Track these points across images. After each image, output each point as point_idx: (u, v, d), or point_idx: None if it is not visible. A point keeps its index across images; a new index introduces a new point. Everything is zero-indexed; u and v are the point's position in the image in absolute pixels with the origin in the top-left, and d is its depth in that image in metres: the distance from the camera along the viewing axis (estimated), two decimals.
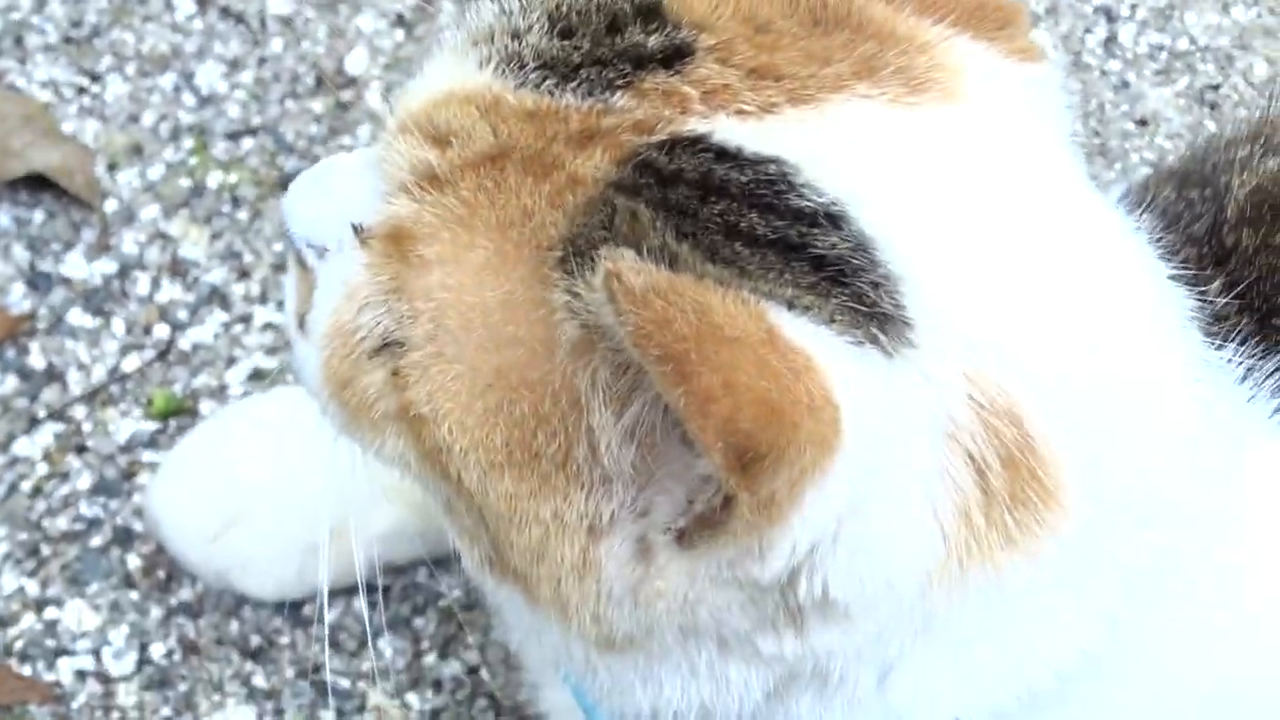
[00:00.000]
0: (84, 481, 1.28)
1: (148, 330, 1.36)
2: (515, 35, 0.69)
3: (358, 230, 0.70)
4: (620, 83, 0.66)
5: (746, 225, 0.61)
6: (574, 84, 0.67)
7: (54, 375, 1.33)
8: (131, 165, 1.45)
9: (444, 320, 0.64)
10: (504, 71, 0.68)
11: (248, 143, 1.47)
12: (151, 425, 1.31)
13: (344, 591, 1.20)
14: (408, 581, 1.22)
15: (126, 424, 1.31)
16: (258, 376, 1.33)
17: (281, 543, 1.17)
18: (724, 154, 0.63)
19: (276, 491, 1.17)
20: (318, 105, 1.49)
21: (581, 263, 0.61)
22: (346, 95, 1.50)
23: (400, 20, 1.55)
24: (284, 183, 1.34)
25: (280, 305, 1.29)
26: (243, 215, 1.43)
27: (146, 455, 1.29)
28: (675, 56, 0.67)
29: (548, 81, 0.67)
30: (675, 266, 0.58)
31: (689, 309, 0.54)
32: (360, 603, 1.21)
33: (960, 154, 0.67)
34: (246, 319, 1.37)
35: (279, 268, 1.38)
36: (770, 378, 0.53)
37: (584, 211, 0.63)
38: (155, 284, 1.38)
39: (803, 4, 0.70)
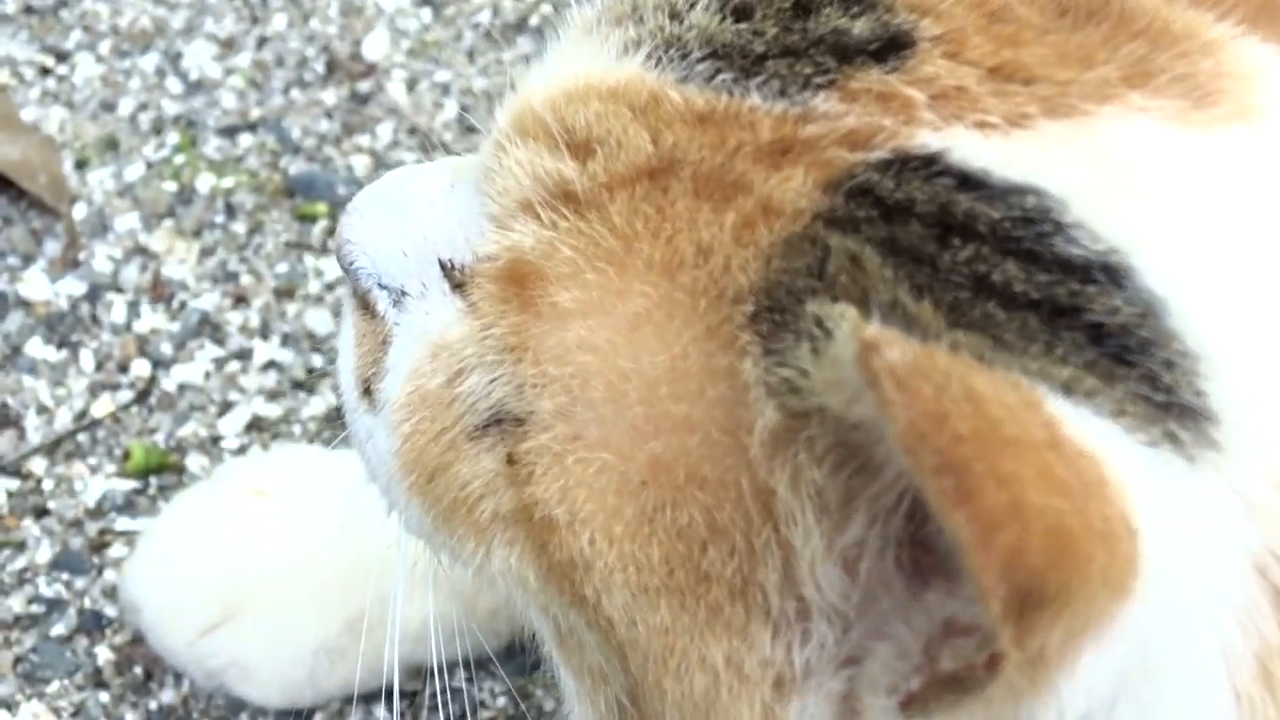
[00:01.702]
0: (43, 553, 1.20)
1: (124, 367, 1.30)
2: (673, 14, 0.64)
3: (448, 268, 0.66)
4: (821, 80, 0.61)
5: (1001, 279, 0.56)
6: (759, 80, 0.61)
7: (8, 420, 1.27)
8: (105, 163, 1.41)
9: (586, 392, 0.60)
10: (660, 61, 0.63)
11: (245, 140, 1.44)
12: (128, 484, 1.24)
13: (363, 698, 1.13)
14: (440, 686, 1.10)
15: (97, 482, 1.24)
16: (257, 426, 1.28)
17: (291, 639, 1.11)
18: (967, 180, 0.58)
19: (286, 575, 1.11)
20: (329, 96, 1.48)
21: (782, 321, 0.56)
22: (364, 85, 1.48)
23: None
24: (289, 190, 1.41)
25: (285, 340, 1.31)
26: (239, 228, 1.39)
27: (121, 522, 1.22)
28: (890, 48, 0.61)
29: (722, 75, 0.61)
30: (916, 334, 0.52)
31: (961, 398, 0.47)
32: (383, 712, 1.15)
33: (1266, 188, 0.60)
34: (244, 355, 1.31)
35: (283, 293, 1.35)
36: (1061, 494, 0.46)
37: (784, 252, 0.57)
38: (133, 310, 1.33)
39: None
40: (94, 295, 1.34)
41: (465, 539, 0.65)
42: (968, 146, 0.58)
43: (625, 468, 0.59)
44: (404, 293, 0.69)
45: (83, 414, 1.28)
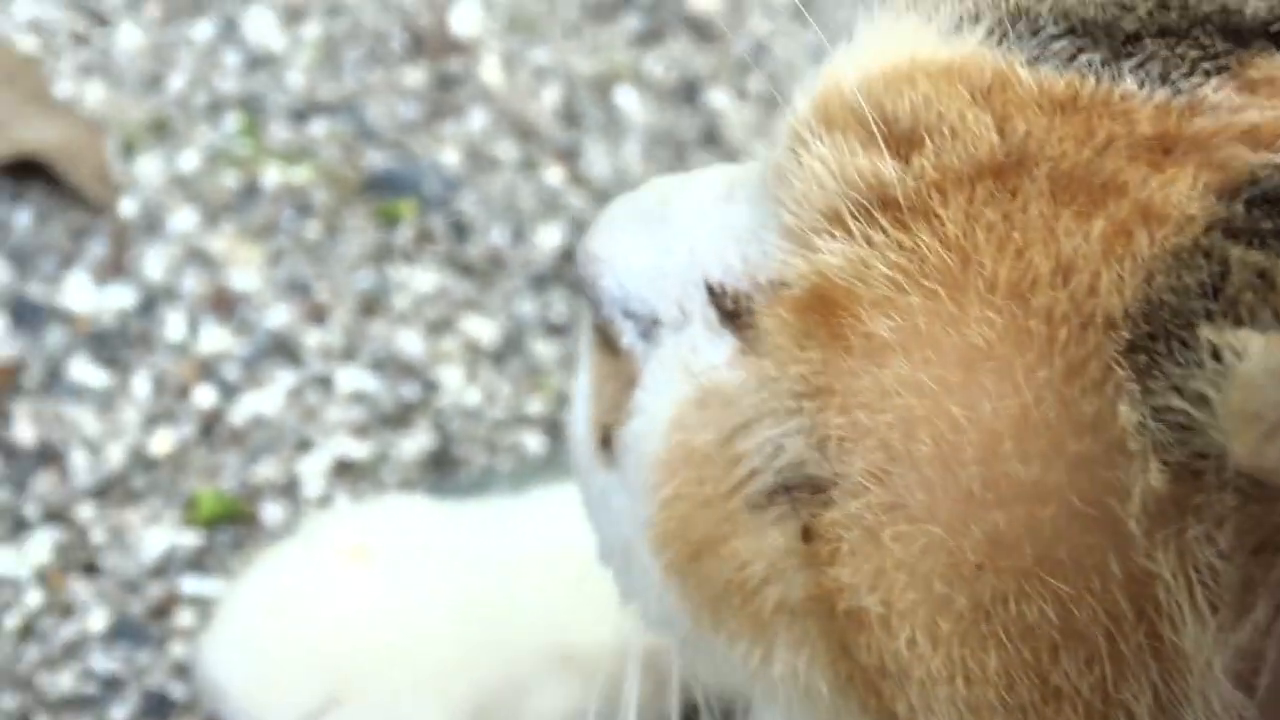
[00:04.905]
0: (97, 619, 1.17)
1: (184, 393, 1.28)
2: None
3: (719, 294, 0.64)
4: (1210, 66, 0.57)
5: None
6: (1133, 62, 0.57)
7: (49, 457, 1.24)
8: (154, 148, 1.40)
9: (908, 446, 0.55)
10: (1005, 36, 0.59)
11: (317, 125, 1.45)
12: (194, 537, 1.22)
13: None
14: None
15: (156, 534, 1.21)
16: (345, 470, 1.25)
17: None
18: None
19: (400, 654, 1.10)
20: (412, 77, 1.49)
21: (1168, 352, 0.50)
22: (453, 65, 1.50)
23: None
24: (368, 186, 1.42)
25: (377, 366, 1.29)
26: (312, 231, 1.39)
27: (189, 583, 1.20)
28: None
29: (1086, 55, 0.58)
30: None
31: None
32: None
33: None
34: (324, 381, 1.30)
35: (369, 309, 1.34)
36: None
37: (1169, 267, 0.52)
38: (193, 325, 1.32)
39: None
40: (147, 306, 1.32)
41: (738, 635, 0.62)
42: None
43: (957, 546, 0.54)
44: (656, 320, 0.67)
45: (137, 451, 1.25)
